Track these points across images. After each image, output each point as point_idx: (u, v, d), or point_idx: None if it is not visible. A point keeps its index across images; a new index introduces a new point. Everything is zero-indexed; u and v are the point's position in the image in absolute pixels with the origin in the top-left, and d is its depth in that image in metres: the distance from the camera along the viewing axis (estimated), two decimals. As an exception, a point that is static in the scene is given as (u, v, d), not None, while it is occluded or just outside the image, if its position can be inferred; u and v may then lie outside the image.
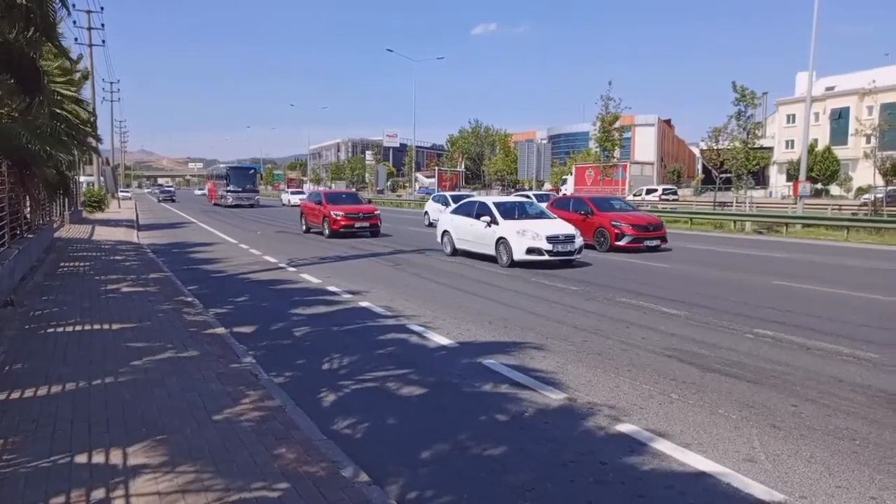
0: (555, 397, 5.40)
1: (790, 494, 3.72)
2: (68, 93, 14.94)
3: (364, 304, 9.62)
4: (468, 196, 36.12)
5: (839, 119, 66.13)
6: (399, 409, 5.19)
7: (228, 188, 48.73)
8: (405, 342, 7.41)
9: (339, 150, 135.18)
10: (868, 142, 44.82)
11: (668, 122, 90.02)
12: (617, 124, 40.19)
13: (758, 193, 53.68)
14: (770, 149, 69.00)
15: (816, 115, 67.83)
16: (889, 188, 41.02)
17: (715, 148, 35.79)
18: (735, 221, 28.17)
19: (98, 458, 3.90)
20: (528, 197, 24.70)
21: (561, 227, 14.66)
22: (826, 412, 5.07)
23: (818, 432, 4.66)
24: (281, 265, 14.30)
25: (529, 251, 13.75)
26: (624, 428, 4.71)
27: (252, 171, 53.19)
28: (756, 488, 3.78)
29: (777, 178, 68.34)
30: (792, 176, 46.68)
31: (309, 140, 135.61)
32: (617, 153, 45.57)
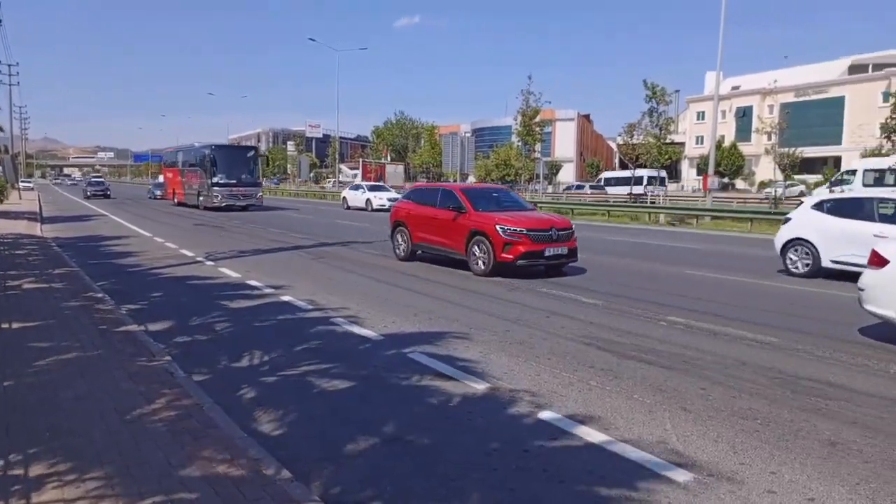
0: (478, 387, 5.47)
1: (699, 473, 3.92)
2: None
3: (286, 298, 9.43)
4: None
5: (744, 117, 69.87)
6: (323, 404, 5.13)
7: (215, 180, 31.58)
8: (329, 336, 7.31)
9: (259, 141, 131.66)
10: (769, 139, 47.61)
11: (587, 117, 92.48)
12: (538, 119, 41.02)
13: (671, 187, 56.02)
14: (682, 144, 72.08)
15: (723, 112, 71.35)
16: (787, 182, 43.68)
17: (630, 143, 37.14)
18: (650, 213, 29.33)
19: (-3, 466, 3.65)
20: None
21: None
22: (732, 394, 5.36)
23: (724, 413, 4.93)
24: (199, 259, 13.80)
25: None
26: (545, 415, 4.83)
27: (251, 152, 35.41)
28: (669, 467, 3.96)
29: (689, 172, 71.45)
30: (702, 170, 48.99)
31: (228, 129, 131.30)
32: (538, 148, 46.53)
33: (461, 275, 11.87)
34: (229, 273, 11.84)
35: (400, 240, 14.03)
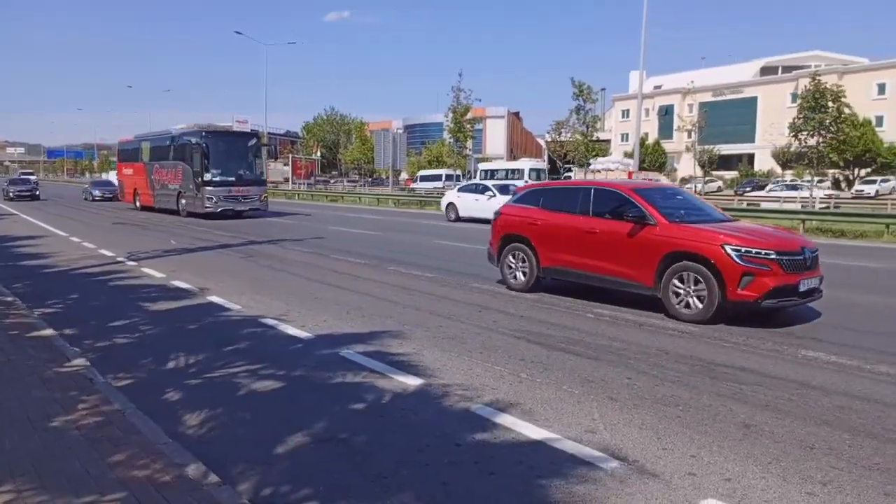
0: (411, 383, 5.47)
1: (625, 458, 4.06)
2: None
3: (213, 298, 9.16)
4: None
5: (666, 115, 72.57)
6: (253, 405, 5.02)
7: (207, 177, 24.26)
8: (258, 337, 7.16)
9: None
10: (689, 136, 49.66)
11: (517, 114, 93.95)
12: (468, 116, 41.36)
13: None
14: (608, 141, 74.22)
15: (647, 111, 73.79)
16: (706, 179, 45.64)
17: (558, 140, 37.98)
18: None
19: None
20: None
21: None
22: (655, 382, 5.57)
23: (649, 401, 5.12)
24: (119, 259, 13.22)
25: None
26: (477, 409, 4.88)
27: (253, 140, 26.85)
28: (596, 455, 4.08)
29: (614, 169, 73.59)
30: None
31: (150, 125, 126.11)
32: (469, 144, 46.92)
33: (397, 273, 11.84)
34: (153, 273, 11.40)
35: (516, 262, 9.84)
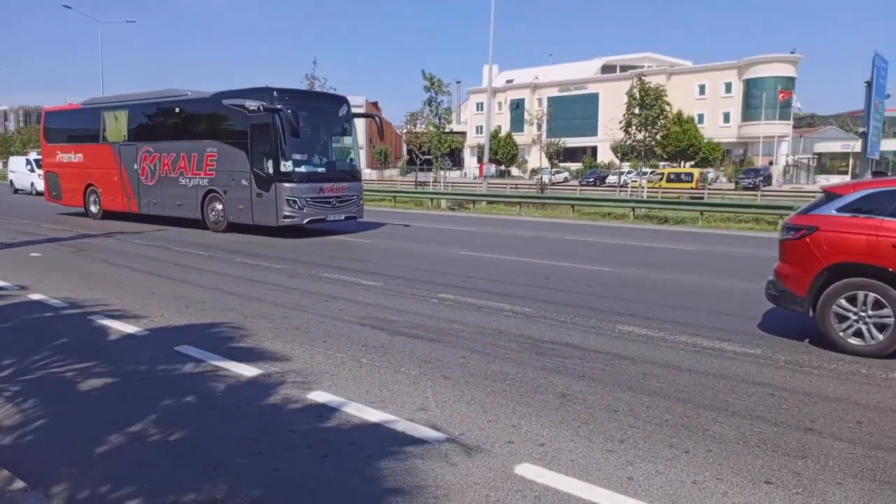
0: (249, 374, 5.44)
1: (451, 432, 4.32)
2: None
3: (37, 296, 8.44)
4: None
5: (517, 109, 75.72)
6: (77, 406, 4.76)
7: (286, 168, 15.02)
8: (87, 334, 6.73)
9: (6, 119, 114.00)
10: (538, 129, 52.31)
11: (375, 104, 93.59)
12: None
13: (454, 174, 59.05)
14: (464, 133, 76.11)
15: (500, 104, 76.54)
16: (554, 170, 48.31)
17: (413, 131, 38.51)
18: (432, 199, 30.72)
19: None
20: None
21: None
22: (487, 360, 5.95)
23: (479, 377, 5.46)
24: None
25: None
26: (314, 395, 4.96)
27: (344, 106, 16.98)
28: (425, 431, 4.32)
29: (470, 160, 75.68)
30: (480, 158, 52.33)
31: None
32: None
33: (240, 263, 11.52)
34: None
35: (862, 309, 6.18)
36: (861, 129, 37.05)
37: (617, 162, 63.38)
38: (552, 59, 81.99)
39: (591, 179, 53.79)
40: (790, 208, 22.15)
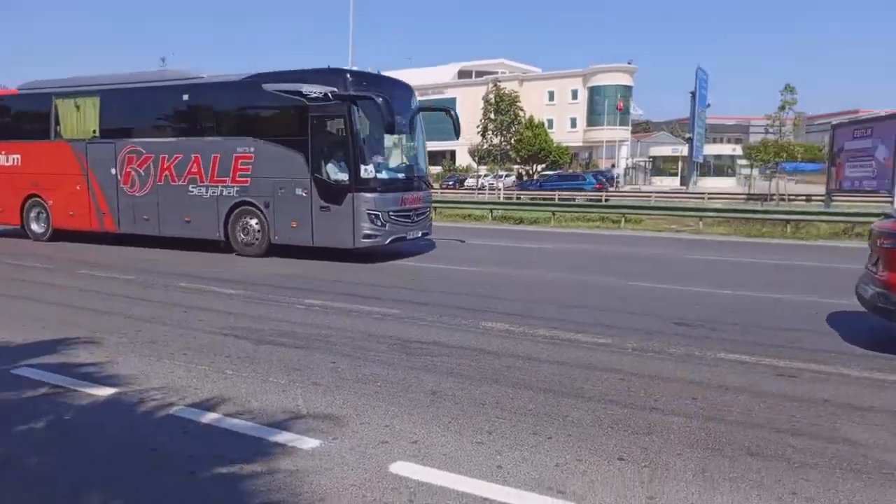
0: (103, 394, 5.07)
1: (325, 438, 4.30)
2: None
3: None
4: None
5: (377, 111, 75.55)
6: None
7: (366, 174, 11.84)
8: None
9: None
10: (399, 133, 52.54)
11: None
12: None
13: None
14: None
15: (359, 106, 75.82)
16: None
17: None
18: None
19: None
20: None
21: None
22: (357, 363, 5.97)
23: (350, 381, 5.48)
24: None
25: None
26: (177, 411, 4.73)
27: (413, 97, 13.98)
28: (297, 439, 4.27)
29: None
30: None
31: None
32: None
33: (89, 275, 10.64)
34: None
35: None
36: (688, 135, 41.09)
37: (475, 165, 65.50)
38: (411, 62, 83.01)
39: (450, 183, 55.11)
40: (632, 207, 24.18)
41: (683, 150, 44.35)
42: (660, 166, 63.34)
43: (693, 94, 36.44)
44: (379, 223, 12.00)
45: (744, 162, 54.63)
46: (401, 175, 13.02)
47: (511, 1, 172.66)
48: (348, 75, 12.10)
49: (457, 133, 14.08)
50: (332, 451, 4.11)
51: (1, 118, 16.20)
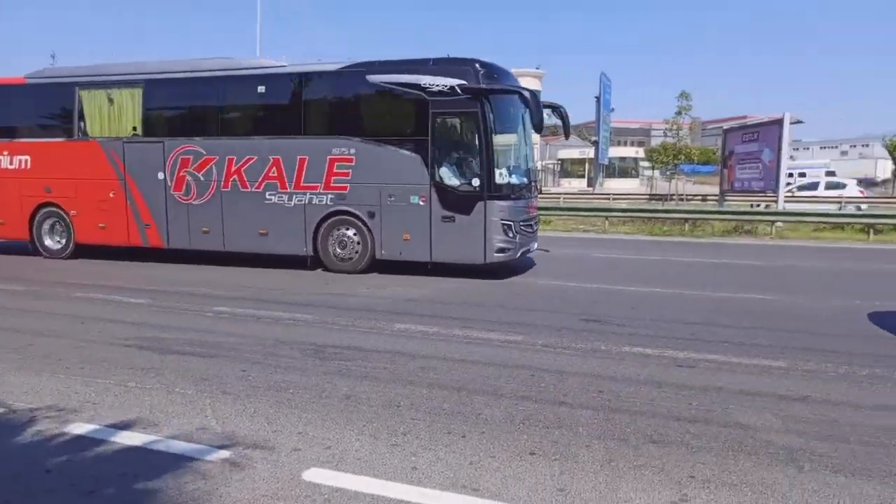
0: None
1: (236, 449, 4.17)
2: None
3: None
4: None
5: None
6: None
7: (500, 180, 10.55)
8: None
9: None
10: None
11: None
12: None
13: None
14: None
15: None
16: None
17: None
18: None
19: None
20: None
21: None
22: (269, 371, 5.84)
23: (262, 389, 5.35)
24: None
25: None
26: (75, 428, 4.47)
27: (530, 93, 10.70)
28: (206, 451, 4.12)
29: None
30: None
31: None
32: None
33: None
34: None
35: None
36: (594, 139, 42.62)
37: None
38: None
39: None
40: (542, 209, 24.79)
41: (590, 152, 45.98)
42: (568, 169, 65.31)
43: (598, 99, 37.85)
44: (511, 234, 10.61)
45: (646, 164, 57.29)
46: (525, 180, 11.57)
47: (417, 2, 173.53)
48: (478, 66, 10.40)
49: (566, 133, 13.09)
50: (242, 461, 3.99)
51: (2, 112, 13.39)
